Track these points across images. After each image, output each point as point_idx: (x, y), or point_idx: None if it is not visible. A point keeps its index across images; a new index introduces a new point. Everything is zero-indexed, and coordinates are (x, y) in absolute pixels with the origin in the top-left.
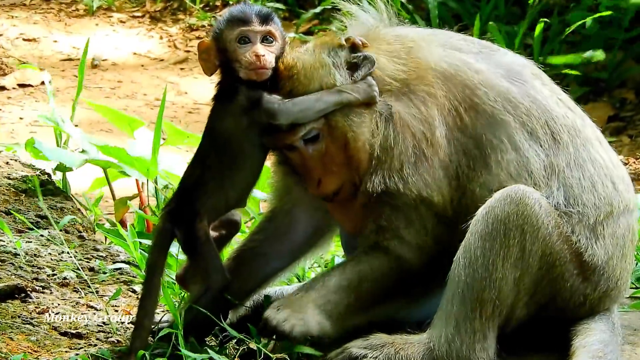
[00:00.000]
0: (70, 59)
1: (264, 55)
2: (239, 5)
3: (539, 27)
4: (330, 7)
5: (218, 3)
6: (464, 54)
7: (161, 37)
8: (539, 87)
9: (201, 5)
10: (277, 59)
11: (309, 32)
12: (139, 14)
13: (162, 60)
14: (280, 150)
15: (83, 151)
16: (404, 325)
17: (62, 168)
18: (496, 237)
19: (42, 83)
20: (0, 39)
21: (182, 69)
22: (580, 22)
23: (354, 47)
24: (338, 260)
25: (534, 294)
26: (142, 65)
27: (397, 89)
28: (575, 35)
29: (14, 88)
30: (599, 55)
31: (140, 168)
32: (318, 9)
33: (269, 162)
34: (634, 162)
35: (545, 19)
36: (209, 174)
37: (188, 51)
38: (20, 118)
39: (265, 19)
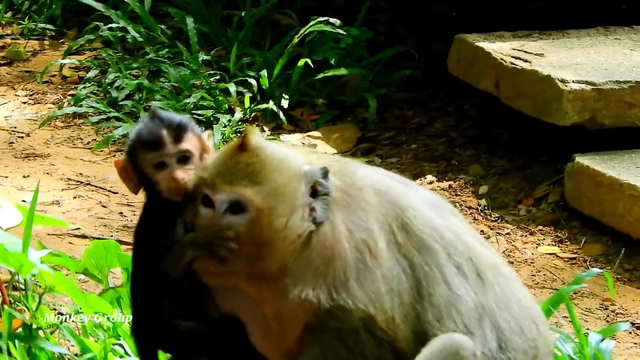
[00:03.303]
0: None
1: (182, 179)
2: (148, 124)
3: (301, 62)
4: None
5: None
6: (392, 180)
7: None
8: (457, 223)
9: None
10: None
11: (77, 52)
12: None
13: None
14: None
15: None
16: None
17: None
18: None
19: None
20: None
21: None
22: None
23: None
24: None
25: None
26: None
27: (339, 198)
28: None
29: None
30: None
31: (13, 263)
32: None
33: None
34: None
35: (306, 60)
36: (157, 281)
37: None
38: None
39: (178, 136)
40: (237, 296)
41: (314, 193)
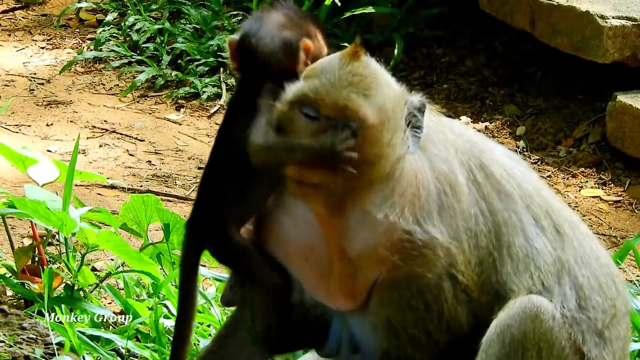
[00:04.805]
0: None
1: None
2: None
3: (328, 1)
4: None
5: None
6: (472, 133)
7: None
8: (534, 177)
9: None
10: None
11: None
12: None
13: None
14: None
15: None
16: None
17: None
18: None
19: None
20: None
21: None
22: None
23: None
24: None
25: None
26: None
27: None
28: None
29: None
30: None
31: (55, 222)
32: None
33: None
34: None
35: None
36: (228, 182)
37: None
38: None
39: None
40: (295, 232)
41: (408, 123)
